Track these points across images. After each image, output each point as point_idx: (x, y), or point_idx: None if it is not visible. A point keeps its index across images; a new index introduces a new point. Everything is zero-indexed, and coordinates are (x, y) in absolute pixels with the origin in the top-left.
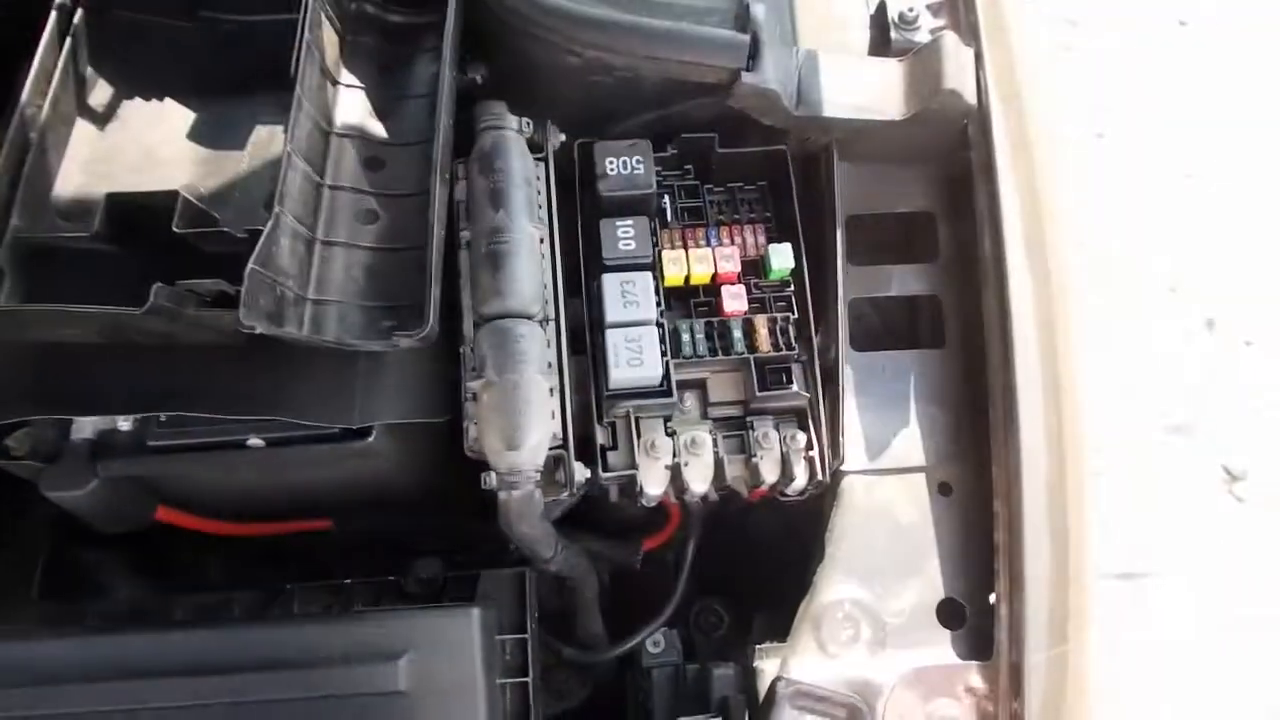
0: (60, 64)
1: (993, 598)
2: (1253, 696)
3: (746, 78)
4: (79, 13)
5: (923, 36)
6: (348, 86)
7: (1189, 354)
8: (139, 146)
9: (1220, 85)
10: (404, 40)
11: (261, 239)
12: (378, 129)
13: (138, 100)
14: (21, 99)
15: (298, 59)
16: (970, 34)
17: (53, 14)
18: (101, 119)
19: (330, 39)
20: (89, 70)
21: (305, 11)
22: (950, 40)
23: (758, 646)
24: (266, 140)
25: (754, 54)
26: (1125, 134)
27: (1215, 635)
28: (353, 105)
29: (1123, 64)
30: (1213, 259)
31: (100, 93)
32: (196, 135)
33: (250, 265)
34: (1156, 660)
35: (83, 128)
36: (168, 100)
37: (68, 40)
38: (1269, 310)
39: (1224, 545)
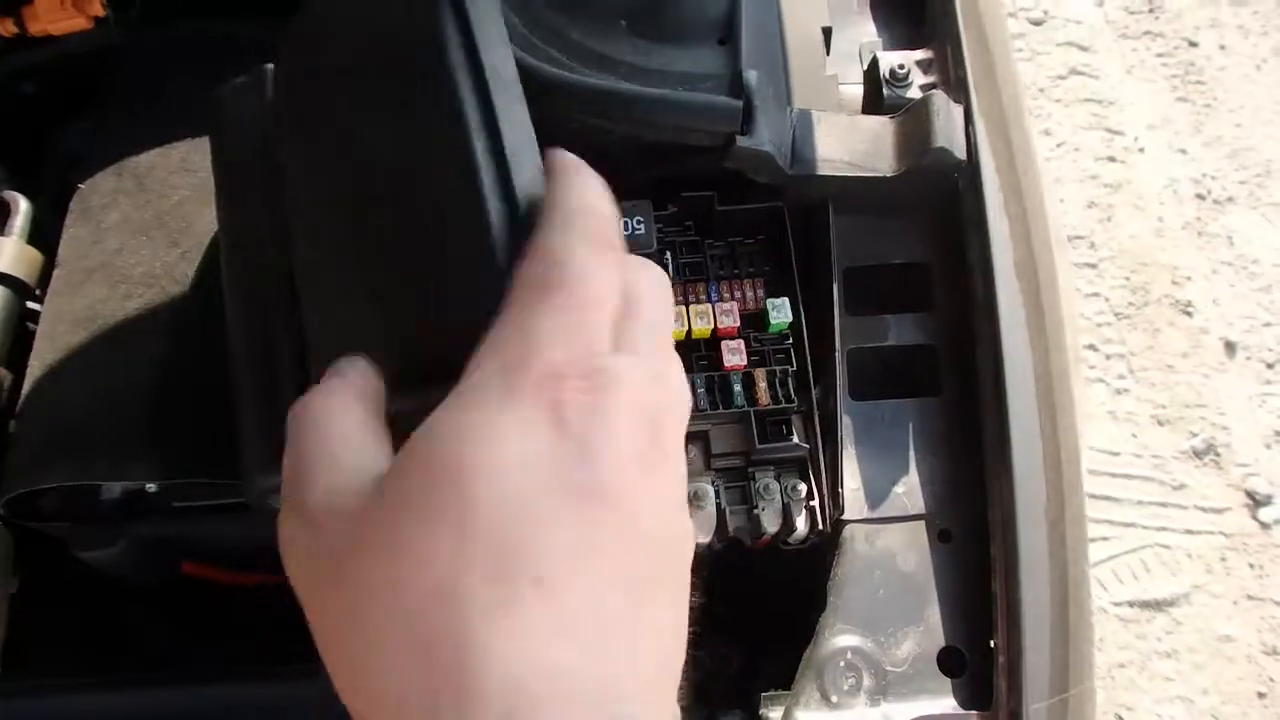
0: None
1: (993, 644)
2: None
3: (741, 141)
4: None
5: (914, 93)
6: None
7: (1210, 376)
8: None
9: (1233, 100)
10: None
11: None
12: None
13: None
14: None
15: None
16: (959, 89)
17: None
18: None
19: None
20: None
21: None
22: (939, 99)
23: (764, 695)
24: None
25: (748, 118)
26: (1137, 155)
27: (1242, 666)
28: None
29: (1135, 85)
30: (1231, 279)
31: None
32: None
33: None
34: (1180, 689)
35: None
36: None
37: None
38: None
39: (1248, 571)
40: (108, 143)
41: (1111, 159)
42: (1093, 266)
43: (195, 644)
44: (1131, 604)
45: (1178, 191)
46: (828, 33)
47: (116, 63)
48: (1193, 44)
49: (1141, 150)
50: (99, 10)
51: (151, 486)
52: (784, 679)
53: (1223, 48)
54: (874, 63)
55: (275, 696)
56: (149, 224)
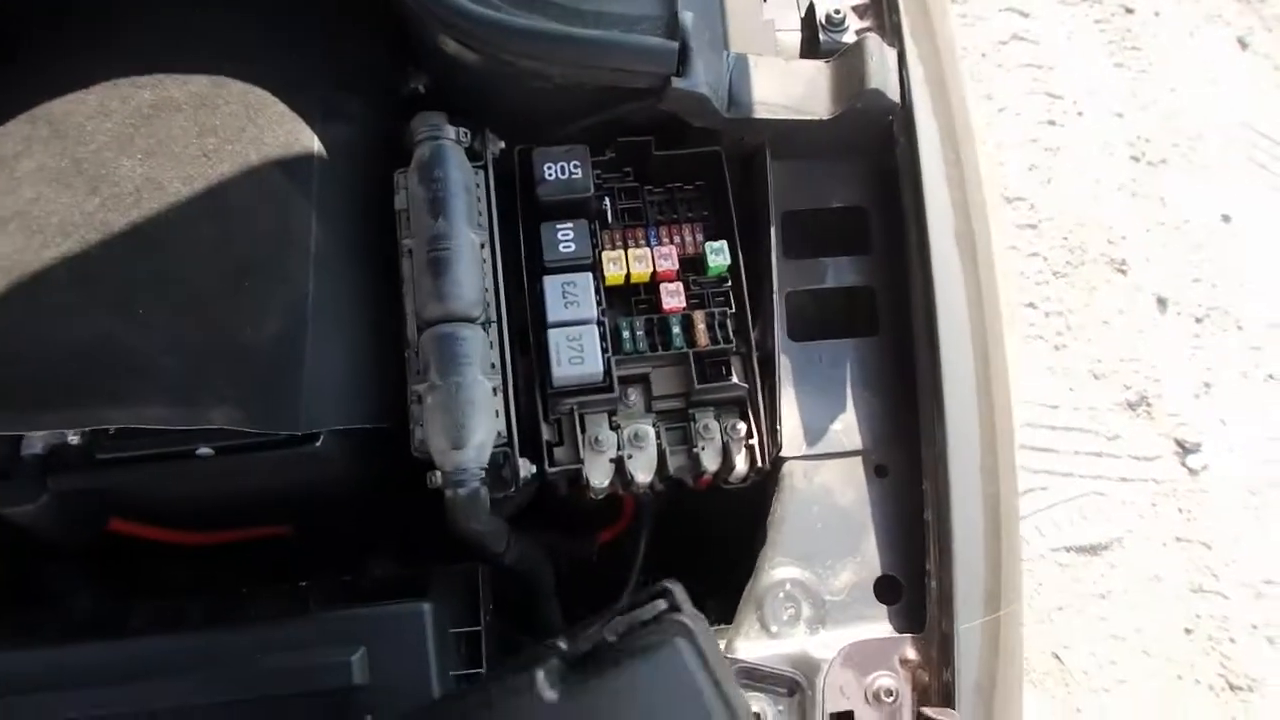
0: None
1: (926, 570)
2: (1204, 664)
3: (676, 83)
4: None
5: (849, 38)
6: None
7: (1144, 331)
8: None
9: (1167, 65)
10: None
11: None
12: None
13: None
14: None
15: None
16: (894, 34)
17: None
18: None
19: None
20: None
21: None
22: (873, 41)
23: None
24: None
25: (683, 60)
26: (1075, 119)
27: (1170, 605)
28: None
29: (1073, 50)
30: (1163, 238)
31: None
32: None
33: None
34: (1113, 628)
35: None
36: None
37: None
38: (1219, 289)
39: (1177, 515)
40: (20, 88)
41: (1051, 123)
42: (1033, 227)
43: (126, 606)
44: (1069, 549)
45: (1114, 154)
46: None
47: (29, 8)
48: (1129, 10)
49: (1080, 114)
50: None
51: (73, 438)
52: (729, 615)
53: (1157, 14)
54: (810, 8)
55: (198, 650)
56: (66, 171)
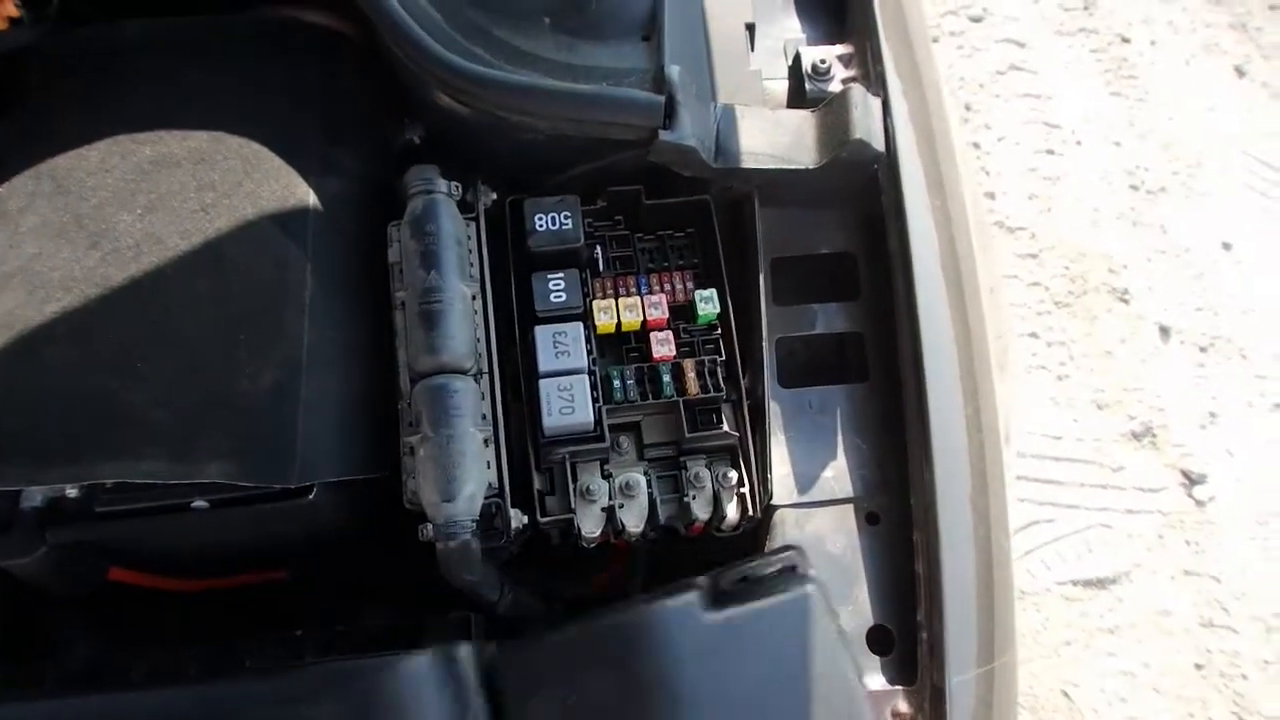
0: None
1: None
2: (1217, 701)
3: (663, 135)
4: None
5: (835, 86)
6: None
7: (1147, 361)
8: None
9: (1165, 93)
10: None
11: None
12: None
13: None
14: None
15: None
16: (879, 83)
17: None
18: None
19: None
20: None
21: None
22: (857, 92)
23: None
24: None
25: (670, 113)
26: (1074, 148)
27: (1180, 640)
28: None
29: (1071, 80)
30: (1164, 267)
31: None
32: None
33: None
34: (1123, 664)
35: None
36: None
37: None
38: (1222, 317)
39: (1185, 547)
40: (24, 144)
41: (1050, 152)
42: (1034, 257)
43: (125, 655)
44: (1075, 583)
45: (1113, 183)
46: (751, 28)
47: (32, 64)
48: (1125, 40)
49: (1078, 143)
50: (13, 12)
51: (72, 491)
52: None
53: (1154, 43)
54: (797, 58)
55: (195, 703)
56: (68, 226)
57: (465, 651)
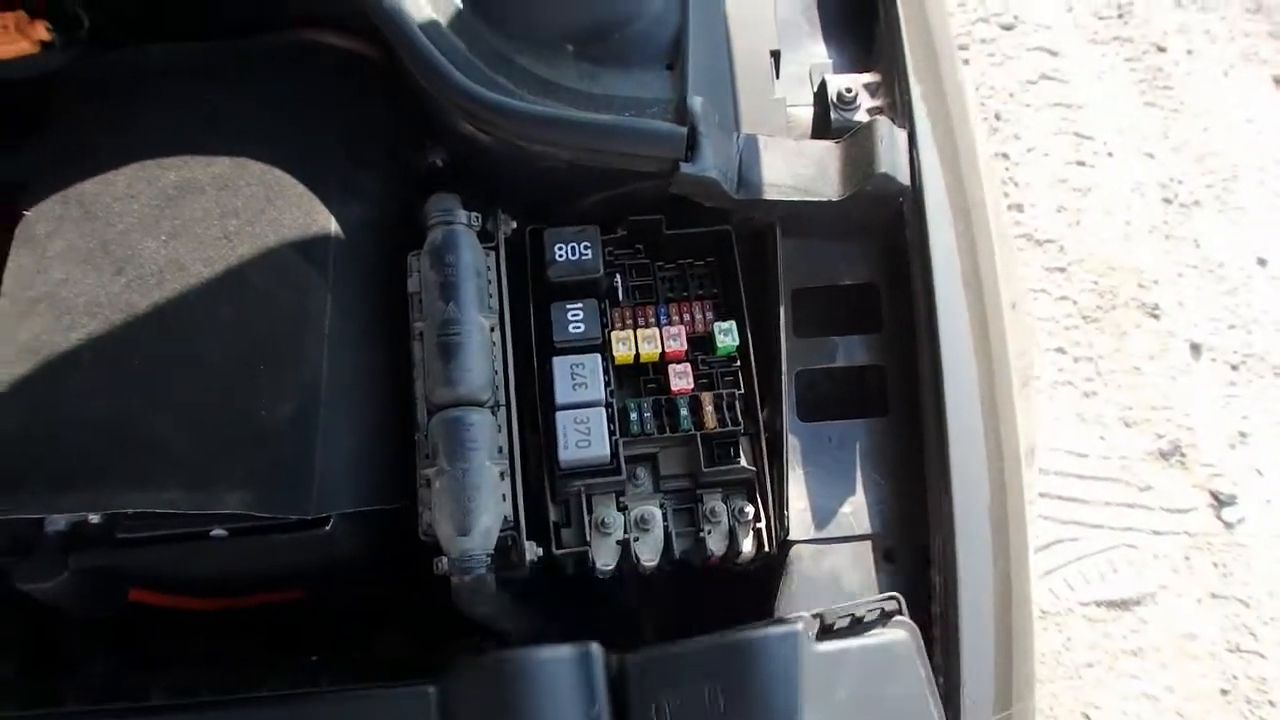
0: None
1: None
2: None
3: (685, 167)
4: None
5: (861, 115)
6: None
7: (1177, 378)
8: None
9: (1200, 104)
10: None
11: None
12: None
13: None
14: None
15: None
16: (905, 113)
17: None
18: None
19: None
20: None
21: None
22: (883, 124)
23: None
24: None
25: (692, 145)
26: (1106, 160)
27: (1206, 664)
28: None
29: (1104, 90)
30: (1197, 282)
31: None
32: None
33: None
34: (1146, 687)
35: None
36: None
37: None
38: (1255, 335)
39: (1212, 570)
40: (53, 169)
41: (1080, 163)
42: (1062, 270)
43: (144, 674)
44: (1099, 604)
45: (1145, 195)
46: (777, 56)
47: (62, 88)
48: (1161, 49)
49: (1110, 155)
50: (44, 35)
51: (94, 518)
52: None
53: (1190, 53)
54: (823, 85)
55: None
56: (94, 252)
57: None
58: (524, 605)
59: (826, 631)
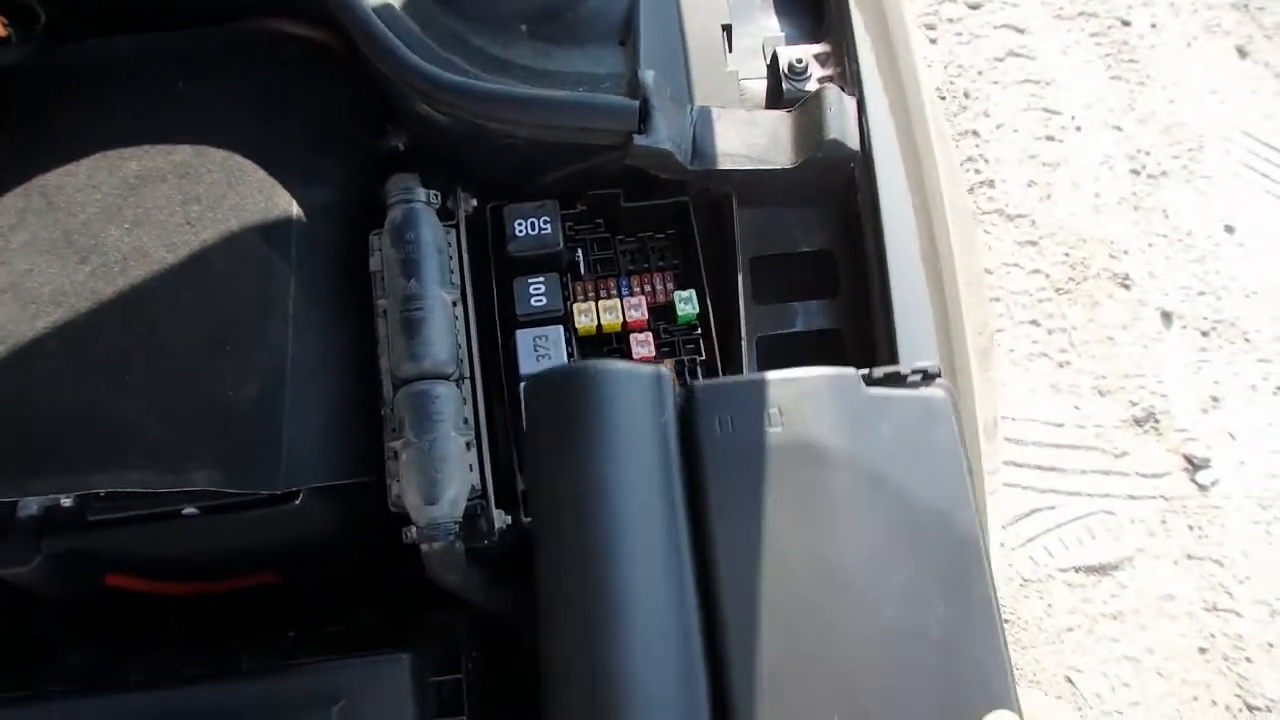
0: None
1: None
2: (1220, 685)
3: (638, 139)
4: None
5: (813, 85)
6: None
7: (1149, 346)
8: None
9: (1165, 77)
10: None
11: None
12: None
13: None
14: None
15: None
16: (854, 82)
17: None
18: None
19: None
20: None
21: None
22: (832, 92)
23: None
24: None
25: (644, 117)
26: (1074, 134)
27: (1184, 624)
28: None
29: (1070, 65)
30: (1166, 251)
31: None
32: None
33: None
34: (1126, 649)
35: None
36: None
37: None
38: (1224, 301)
39: (1188, 532)
40: (14, 161)
41: (1049, 138)
42: (1034, 244)
43: (122, 659)
44: (1077, 569)
45: (1113, 168)
46: (728, 30)
47: (20, 81)
48: (1125, 23)
49: (1078, 129)
50: (1, 30)
51: (66, 501)
52: None
53: (1154, 26)
54: (774, 57)
55: (188, 703)
56: (57, 242)
57: (666, 375)
58: (495, 576)
59: (872, 382)
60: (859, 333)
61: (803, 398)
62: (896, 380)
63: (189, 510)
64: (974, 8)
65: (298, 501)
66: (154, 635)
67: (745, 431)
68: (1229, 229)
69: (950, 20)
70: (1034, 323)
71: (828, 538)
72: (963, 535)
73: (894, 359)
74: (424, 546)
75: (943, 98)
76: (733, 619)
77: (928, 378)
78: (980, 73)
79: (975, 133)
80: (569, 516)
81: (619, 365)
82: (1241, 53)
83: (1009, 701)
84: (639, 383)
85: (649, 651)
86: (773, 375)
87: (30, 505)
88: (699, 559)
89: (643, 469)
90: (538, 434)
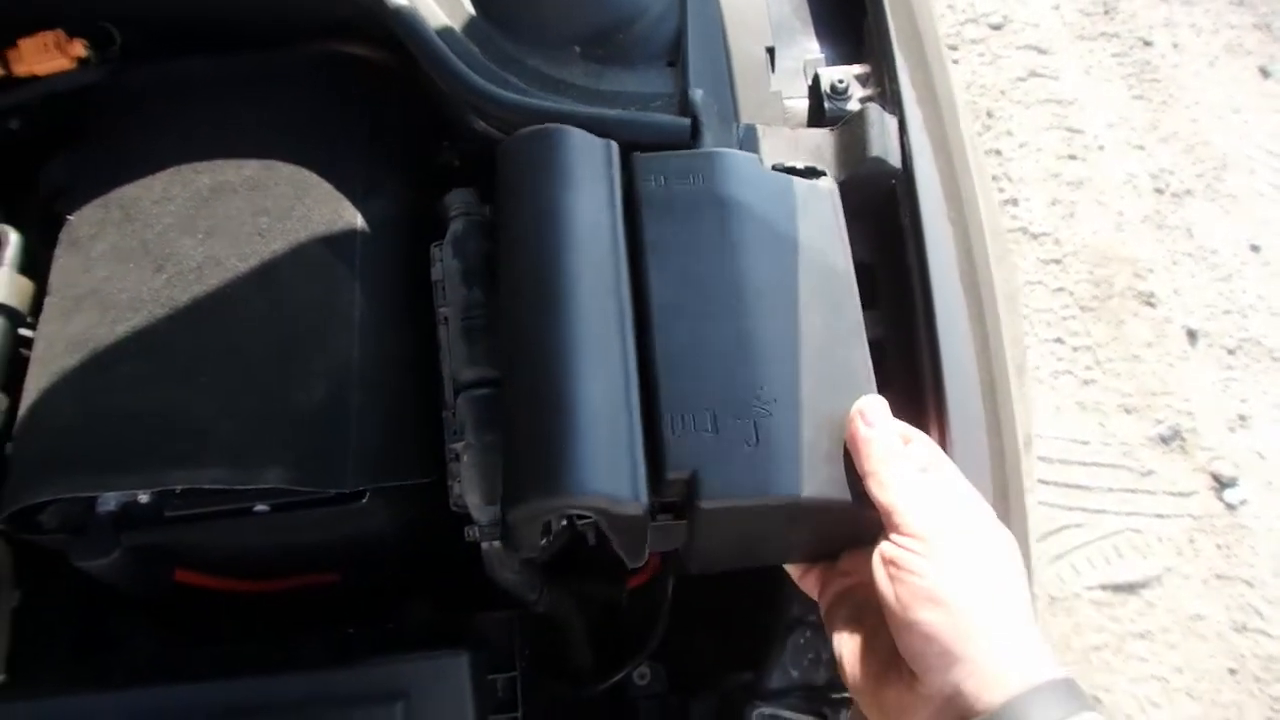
0: None
1: None
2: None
3: None
4: None
5: (854, 105)
6: None
7: (1175, 365)
8: None
9: (1188, 96)
10: None
11: None
12: None
13: None
14: None
15: None
16: (895, 101)
17: None
18: None
19: None
20: None
21: None
22: (874, 111)
23: (735, 675)
24: None
25: (694, 134)
26: (1097, 153)
27: (1213, 645)
28: None
29: (1093, 85)
30: (1191, 270)
31: None
32: None
33: None
34: (1155, 669)
35: None
36: None
37: None
38: (1250, 319)
39: (1216, 551)
40: (93, 175)
41: (1072, 157)
42: (1057, 262)
43: (187, 653)
44: (1105, 588)
45: (1137, 186)
46: (771, 52)
47: (98, 100)
48: (1147, 43)
49: (1101, 148)
50: (81, 52)
51: (144, 497)
52: (758, 662)
53: (1176, 46)
54: (816, 78)
55: (251, 696)
56: (134, 251)
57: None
58: (547, 578)
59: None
60: (898, 344)
61: (718, 163)
62: (793, 171)
63: (260, 507)
64: (996, 28)
65: (364, 500)
66: (216, 630)
67: (675, 187)
68: (1255, 248)
69: (973, 41)
70: (1058, 340)
71: (735, 262)
72: (836, 267)
73: (936, 370)
74: (484, 545)
75: None
76: (659, 316)
77: (817, 174)
78: (1003, 92)
79: (998, 152)
80: (532, 231)
81: (576, 129)
82: (1264, 73)
83: (872, 392)
84: (593, 142)
85: (589, 328)
86: (696, 151)
87: (109, 501)
88: (634, 275)
89: (593, 201)
90: (508, 176)
